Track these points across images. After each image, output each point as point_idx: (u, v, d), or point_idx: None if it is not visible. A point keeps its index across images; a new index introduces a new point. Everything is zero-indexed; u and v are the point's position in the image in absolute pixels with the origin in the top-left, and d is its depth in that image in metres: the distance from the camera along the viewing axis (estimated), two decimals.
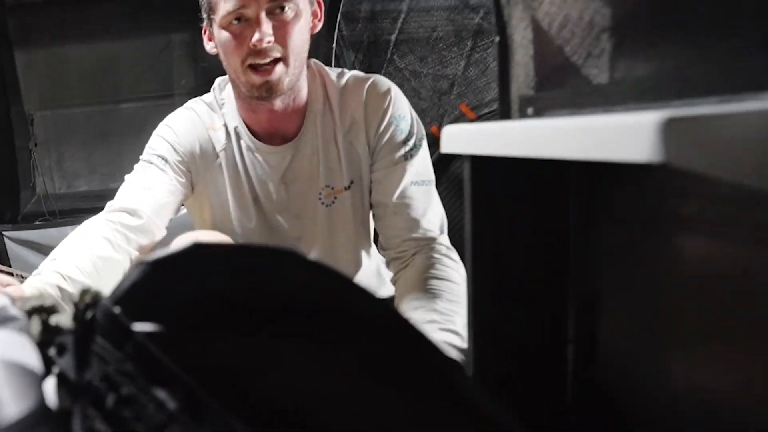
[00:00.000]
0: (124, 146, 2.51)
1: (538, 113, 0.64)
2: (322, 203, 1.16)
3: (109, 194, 1.16)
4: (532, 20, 0.62)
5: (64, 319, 0.47)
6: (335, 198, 1.16)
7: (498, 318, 0.70)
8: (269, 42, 1.00)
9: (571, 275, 0.69)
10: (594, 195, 0.66)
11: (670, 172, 0.37)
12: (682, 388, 0.56)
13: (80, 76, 2.52)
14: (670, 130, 0.36)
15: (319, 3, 1.11)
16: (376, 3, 1.99)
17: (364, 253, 1.24)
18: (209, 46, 1.12)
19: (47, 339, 0.46)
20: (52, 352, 0.45)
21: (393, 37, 1.99)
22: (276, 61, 1.02)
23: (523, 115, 0.66)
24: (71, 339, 0.43)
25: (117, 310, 0.41)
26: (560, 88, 0.62)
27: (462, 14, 1.99)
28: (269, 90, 1.04)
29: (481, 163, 0.65)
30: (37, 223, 2.47)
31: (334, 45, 1.70)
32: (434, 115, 2.01)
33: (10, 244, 2.40)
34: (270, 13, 1.00)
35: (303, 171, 1.15)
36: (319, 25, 1.13)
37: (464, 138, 0.64)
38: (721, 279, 0.50)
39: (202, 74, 2.38)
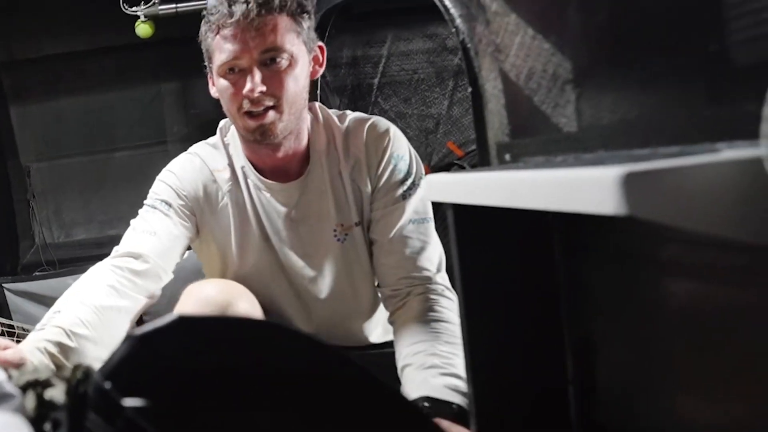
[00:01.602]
0: (120, 194, 2.54)
1: (515, 159, 0.65)
2: (337, 239, 1.17)
3: (107, 241, 1.16)
4: (501, 72, 0.64)
5: (58, 393, 0.48)
6: (347, 234, 1.16)
7: (496, 362, 0.69)
8: (261, 92, 1.03)
9: (563, 316, 0.70)
10: (577, 236, 0.67)
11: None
12: (686, 427, 0.56)
13: (74, 127, 2.56)
14: (631, 183, 0.38)
15: (321, 48, 1.13)
16: (357, 49, 2.03)
17: (378, 290, 1.23)
18: (212, 91, 1.15)
19: (42, 414, 0.47)
20: (47, 427, 0.46)
21: (376, 81, 2.04)
22: (269, 108, 1.05)
23: (501, 160, 0.68)
24: (65, 415, 0.44)
25: (108, 385, 0.42)
26: (534, 136, 0.64)
27: (441, 56, 2.04)
28: (263, 134, 1.07)
29: (464, 209, 0.66)
30: (36, 273, 2.48)
31: (318, 91, 1.73)
32: (423, 154, 2.04)
33: (10, 296, 2.41)
34: (263, 64, 1.03)
35: (312, 209, 1.15)
36: (321, 70, 1.15)
37: (444, 187, 0.65)
38: (712, 316, 0.51)
39: (194, 120, 2.41)
